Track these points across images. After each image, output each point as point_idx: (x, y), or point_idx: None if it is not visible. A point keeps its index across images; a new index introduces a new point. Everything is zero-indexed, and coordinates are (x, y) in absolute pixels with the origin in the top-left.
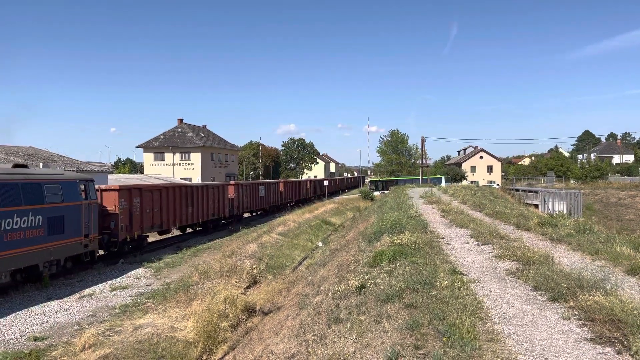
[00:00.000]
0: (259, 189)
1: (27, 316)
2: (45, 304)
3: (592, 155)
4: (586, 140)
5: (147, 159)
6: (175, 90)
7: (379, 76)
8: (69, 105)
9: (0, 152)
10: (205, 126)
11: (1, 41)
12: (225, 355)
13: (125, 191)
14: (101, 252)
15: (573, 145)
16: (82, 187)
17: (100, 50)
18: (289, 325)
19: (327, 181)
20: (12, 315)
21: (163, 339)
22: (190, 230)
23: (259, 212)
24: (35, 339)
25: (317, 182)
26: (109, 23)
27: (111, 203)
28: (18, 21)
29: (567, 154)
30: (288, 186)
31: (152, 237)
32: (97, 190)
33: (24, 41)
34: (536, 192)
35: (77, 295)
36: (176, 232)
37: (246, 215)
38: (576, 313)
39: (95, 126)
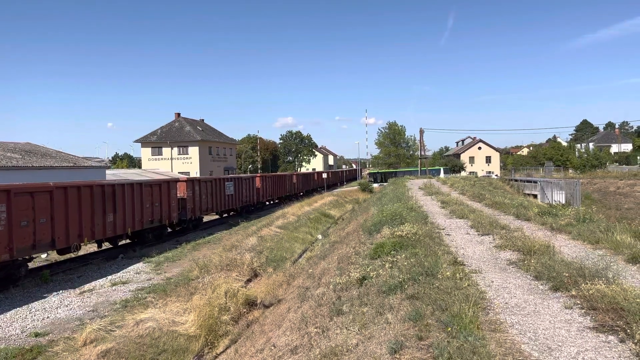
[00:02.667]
0: (226, 185)
1: (28, 312)
2: (45, 299)
3: (591, 145)
4: (584, 129)
5: (145, 153)
6: (172, 84)
7: (376, 68)
8: (64, 101)
9: None
10: (203, 120)
11: None
12: (226, 348)
13: None
14: None
15: (571, 134)
16: None
17: (95, 44)
18: (291, 317)
19: (325, 174)
20: (13, 311)
21: (164, 333)
22: (128, 240)
23: (231, 214)
24: (37, 334)
25: (305, 177)
26: (105, 17)
27: None
28: (12, 14)
29: (565, 144)
30: (267, 181)
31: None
32: None
33: (18, 35)
34: (535, 182)
35: (77, 290)
36: (89, 249)
37: (209, 218)
38: (578, 302)
39: (91, 121)
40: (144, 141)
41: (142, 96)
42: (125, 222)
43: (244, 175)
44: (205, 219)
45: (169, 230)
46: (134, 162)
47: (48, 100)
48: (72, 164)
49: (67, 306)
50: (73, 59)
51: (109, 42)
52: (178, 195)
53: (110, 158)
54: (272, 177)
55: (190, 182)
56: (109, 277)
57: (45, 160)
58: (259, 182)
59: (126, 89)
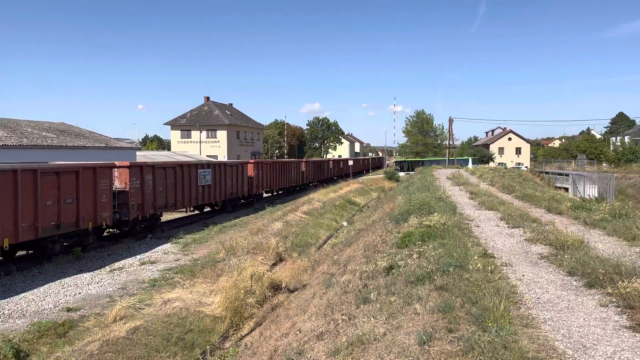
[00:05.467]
0: (199, 174)
1: (60, 287)
2: (77, 276)
3: (626, 138)
4: (620, 122)
5: (174, 136)
6: (202, 68)
7: (405, 54)
8: (96, 82)
9: (33, 128)
10: (232, 104)
11: (25, 15)
12: (251, 330)
13: None
14: None
15: (606, 127)
16: None
17: (128, 27)
18: (316, 303)
19: (351, 161)
20: (46, 286)
21: (191, 314)
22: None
23: (215, 208)
24: (69, 309)
25: (318, 165)
26: (138, 1)
27: None
28: None
29: (599, 137)
30: (264, 169)
31: None
32: None
33: (52, 15)
34: (567, 175)
35: (107, 268)
36: None
37: (171, 216)
38: (614, 300)
39: (122, 103)
40: (174, 124)
41: (173, 79)
42: None
43: (231, 161)
44: (170, 216)
45: (106, 234)
46: (163, 145)
47: (81, 80)
48: (104, 145)
49: (97, 283)
50: (106, 40)
51: (141, 25)
52: (116, 186)
53: (141, 140)
54: (271, 165)
55: (137, 168)
56: (138, 257)
57: (79, 140)
58: (251, 169)
59: (157, 72)
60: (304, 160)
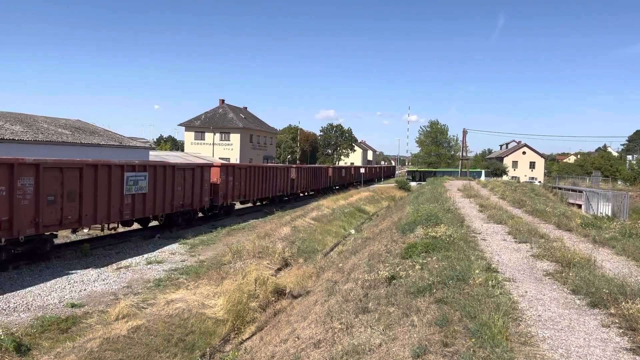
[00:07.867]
0: (127, 179)
1: (67, 283)
2: (84, 272)
3: None
4: (637, 139)
5: (188, 137)
6: (219, 70)
7: (422, 64)
8: (115, 81)
9: (49, 124)
10: (246, 108)
11: (46, 11)
12: (252, 335)
13: None
14: None
15: (623, 145)
16: None
17: (147, 28)
18: (317, 311)
19: (363, 169)
20: (53, 281)
21: (193, 315)
22: None
23: (150, 226)
24: (73, 305)
25: (312, 172)
26: (157, 3)
27: None
28: None
29: (616, 154)
30: (236, 175)
31: None
32: None
33: (71, 13)
34: (580, 191)
35: (114, 266)
36: None
37: (68, 238)
38: (617, 321)
39: (139, 102)
40: (188, 125)
41: (189, 81)
42: None
43: (184, 163)
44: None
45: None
46: (177, 145)
47: (99, 77)
48: (117, 143)
49: (103, 280)
50: (126, 40)
51: (161, 27)
52: None
53: (155, 140)
54: (247, 169)
55: (2, 168)
56: (145, 256)
57: (93, 138)
58: (216, 174)
59: (174, 74)
60: (294, 165)
